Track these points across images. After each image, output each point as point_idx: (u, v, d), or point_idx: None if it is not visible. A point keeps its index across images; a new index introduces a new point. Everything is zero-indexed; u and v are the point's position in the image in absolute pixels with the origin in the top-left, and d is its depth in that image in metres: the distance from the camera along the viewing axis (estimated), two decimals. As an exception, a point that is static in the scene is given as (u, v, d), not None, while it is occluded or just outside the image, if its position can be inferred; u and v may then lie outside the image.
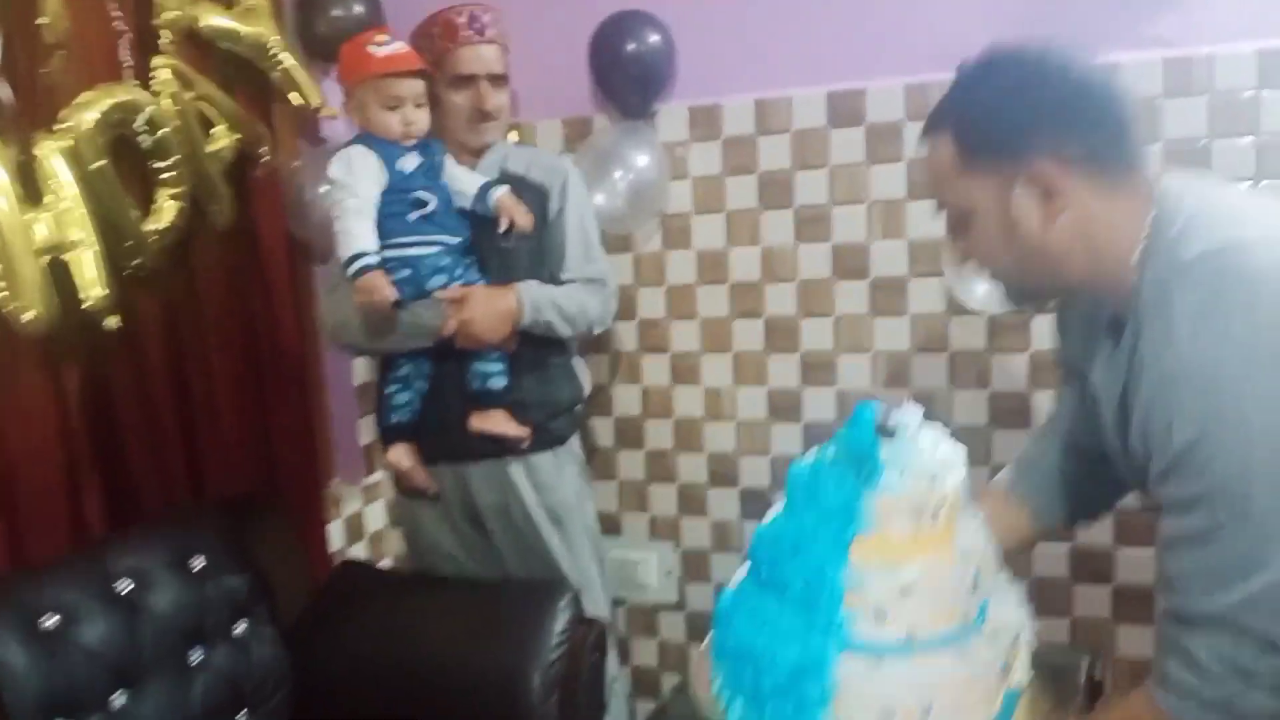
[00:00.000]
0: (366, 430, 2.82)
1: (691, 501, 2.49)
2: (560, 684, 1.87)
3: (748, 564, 1.30)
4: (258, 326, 2.32)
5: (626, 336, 2.47)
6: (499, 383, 2.02)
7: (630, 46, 2.24)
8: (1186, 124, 1.95)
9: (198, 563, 1.91)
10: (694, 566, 2.52)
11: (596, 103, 2.42)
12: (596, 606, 2.07)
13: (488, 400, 2.03)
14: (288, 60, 2.30)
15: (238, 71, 2.23)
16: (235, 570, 1.97)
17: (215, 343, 2.21)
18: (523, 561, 2.10)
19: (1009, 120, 1.12)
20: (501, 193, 2.02)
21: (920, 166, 1.21)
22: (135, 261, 1.99)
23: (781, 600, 1.19)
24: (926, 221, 2.14)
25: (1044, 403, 2.11)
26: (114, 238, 1.92)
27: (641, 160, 2.28)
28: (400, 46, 2.00)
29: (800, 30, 2.21)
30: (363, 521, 2.82)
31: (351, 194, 1.93)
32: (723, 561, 2.48)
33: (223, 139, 2.21)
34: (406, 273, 1.98)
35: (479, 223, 2.04)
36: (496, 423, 2.02)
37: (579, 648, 1.91)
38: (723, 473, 2.45)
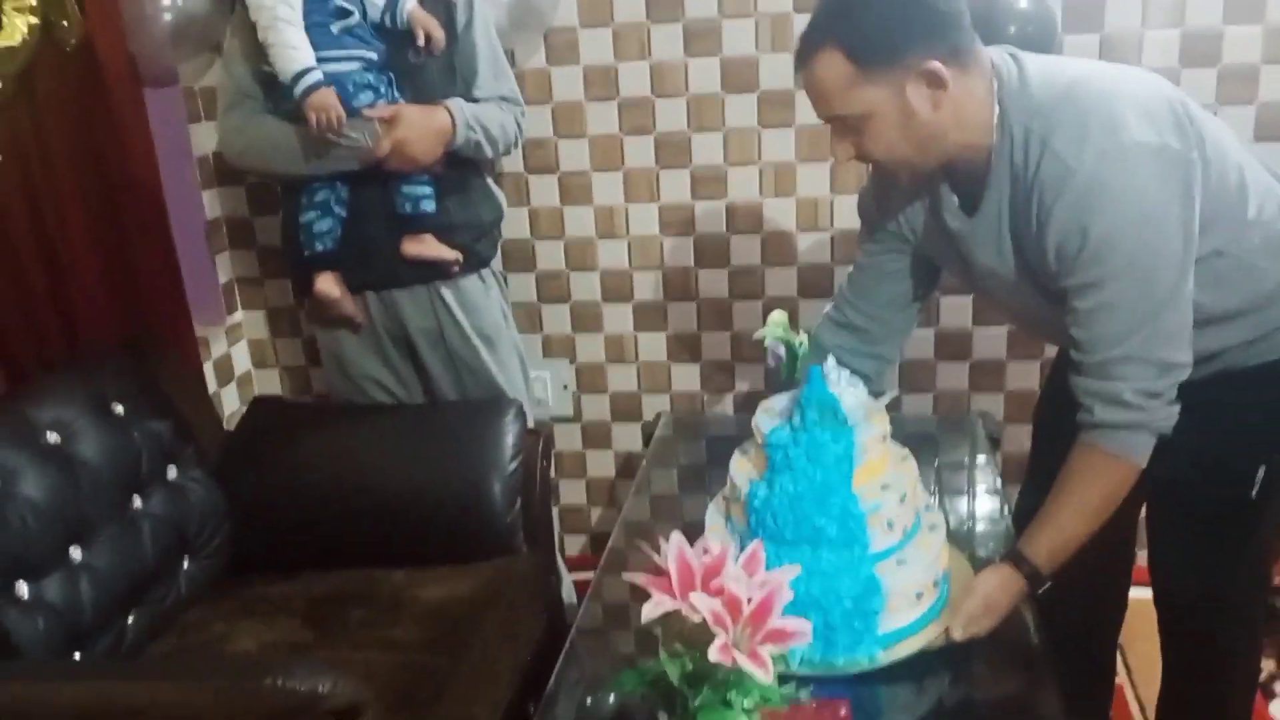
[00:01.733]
0: (223, 268, 2.67)
1: (585, 319, 2.57)
2: (520, 491, 1.96)
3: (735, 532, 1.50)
4: (109, 158, 2.13)
5: (511, 157, 2.44)
6: (429, 205, 1.98)
7: None
8: None
9: (118, 409, 1.82)
10: (589, 379, 2.63)
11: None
12: (531, 418, 2.14)
13: (419, 224, 1.98)
14: None
15: None
16: (156, 414, 1.90)
17: (69, 179, 2.02)
18: (455, 383, 2.12)
19: (897, 30, 1.29)
20: (412, 5, 1.92)
21: (807, 83, 1.33)
22: (-8, 85, 1.77)
23: (816, 547, 1.39)
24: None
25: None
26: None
27: (532, -30, 2.22)
28: None
29: None
30: (231, 364, 2.71)
31: (283, 2, 1.78)
32: (618, 372, 2.60)
33: (62, -59, 1.95)
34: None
35: (387, 37, 1.94)
36: (430, 247, 1.99)
37: (532, 456, 1.99)
38: (616, 288, 2.53)
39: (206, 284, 2.60)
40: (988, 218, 1.40)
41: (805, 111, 2.28)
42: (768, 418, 1.56)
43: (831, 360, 1.55)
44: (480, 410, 2.04)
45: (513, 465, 1.95)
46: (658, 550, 1.09)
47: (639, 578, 1.08)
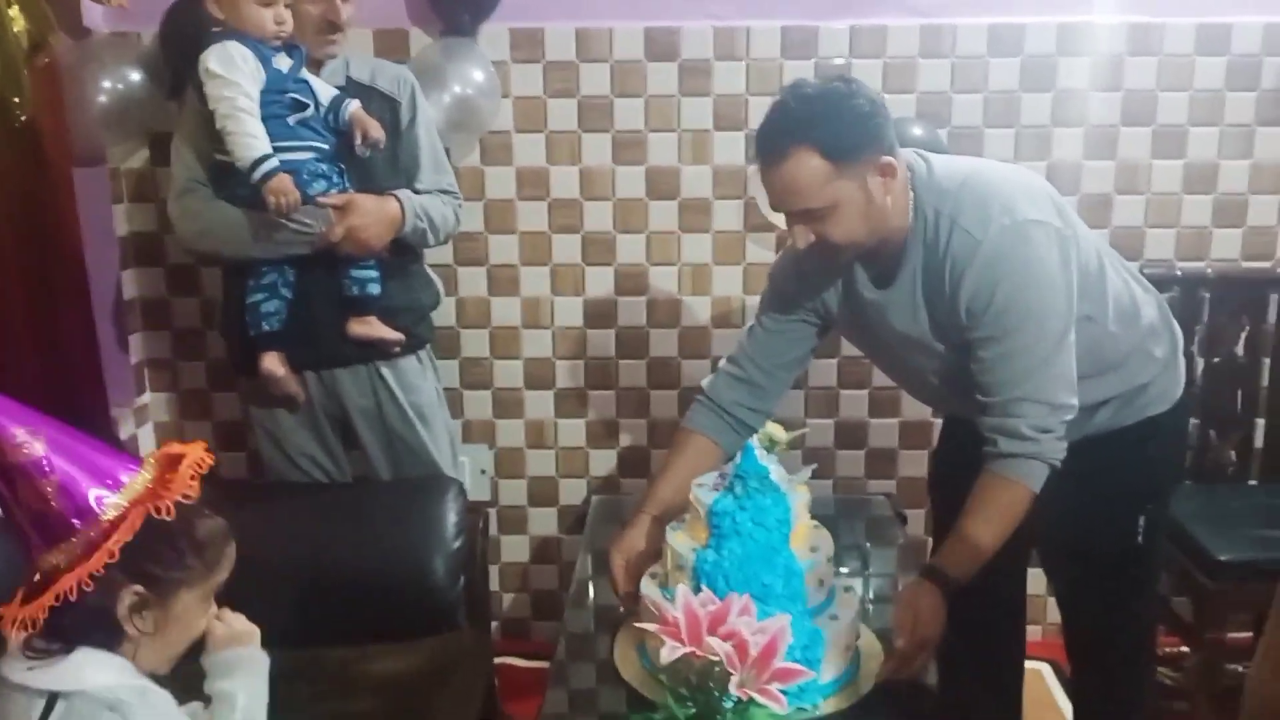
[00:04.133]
0: (137, 348, 2.64)
1: (507, 405, 2.66)
2: (462, 569, 2.01)
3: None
4: (43, 234, 2.13)
5: (440, 249, 2.54)
6: (375, 288, 2.06)
7: (465, -36, 2.31)
8: (936, 81, 2.46)
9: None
10: (508, 465, 2.70)
11: (413, 15, 2.45)
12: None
13: (365, 306, 2.06)
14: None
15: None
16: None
17: (7, 249, 2.01)
18: (389, 462, 2.17)
19: (863, 130, 1.53)
20: (355, 107, 2.03)
21: (778, 179, 1.54)
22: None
23: (764, 604, 1.48)
24: (730, 149, 2.49)
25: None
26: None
27: (477, 77, 2.37)
28: None
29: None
30: (138, 445, 2.65)
31: (241, 92, 1.86)
32: (537, 457, 2.69)
33: (19, 21, 1.99)
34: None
35: (334, 131, 2.04)
36: (376, 328, 2.06)
37: (473, 534, 2.05)
38: (539, 375, 2.64)
39: (120, 363, 2.57)
40: (902, 287, 1.65)
41: (722, 218, 2.54)
42: (704, 491, 1.70)
43: (756, 439, 1.71)
44: (421, 488, 2.10)
45: (455, 543, 2.01)
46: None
47: (650, 626, 1.18)
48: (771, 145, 1.55)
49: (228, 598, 1.33)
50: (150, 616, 1.18)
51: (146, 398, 2.69)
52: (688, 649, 1.14)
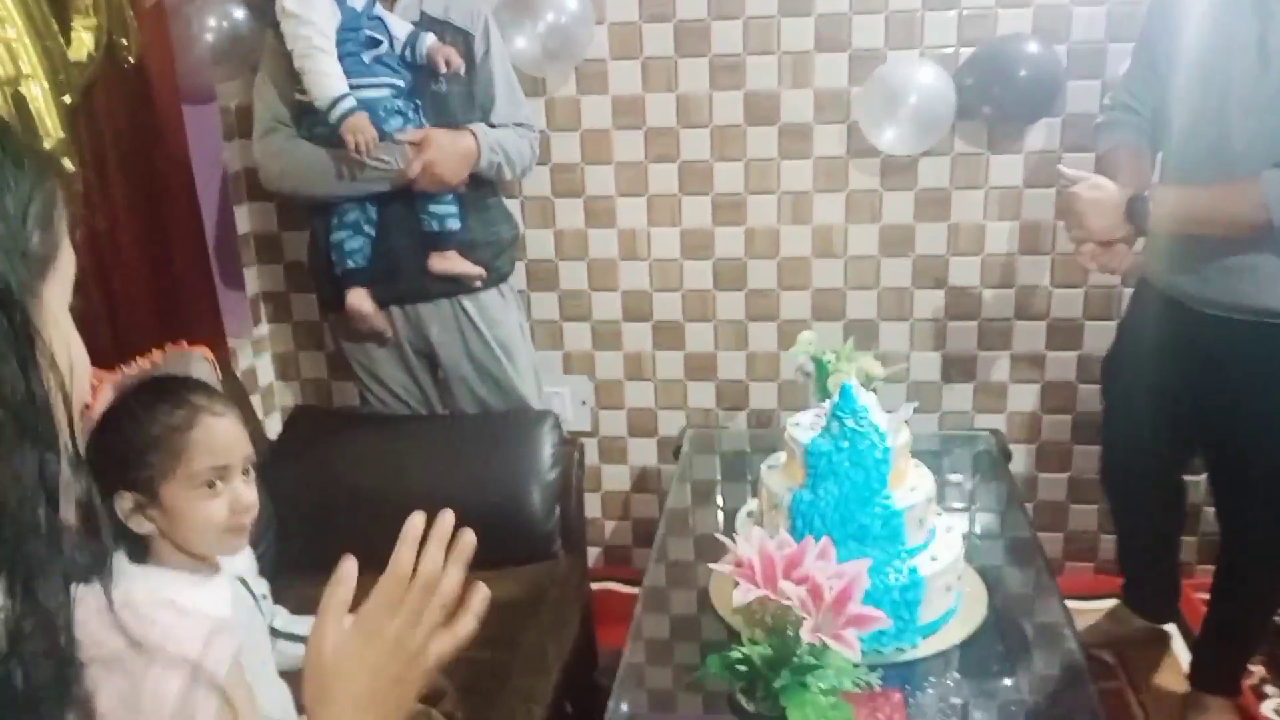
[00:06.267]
0: (252, 281, 2.74)
1: (605, 337, 2.67)
2: (557, 499, 2.04)
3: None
4: (154, 172, 2.20)
5: (539, 180, 2.55)
6: (454, 224, 2.08)
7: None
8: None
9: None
10: (607, 396, 2.72)
11: (502, -59, 2.41)
12: (561, 430, 2.23)
13: (445, 241, 2.08)
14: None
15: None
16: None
17: (121, 190, 2.09)
18: (473, 395, 2.21)
19: None
20: (431, 40, 2.03)
21: None
22: (65, 98, 1.84)
23: (861, 545, 1.51)
24: (832, 72, 2.40)
25: (928, 233, 2.47)
26: (49, 70, 1.77)
27: (571, 3, 2.33)
28: None
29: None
30: (256, 376, 2.77)
31: (318, 31, 1.88)
32: (635, 389, 2.70)
33: (121, -40, 2.03)
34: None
35: (411, 66, 2.04)
36: (456, 263, 2.09)
37: (569, 466, 2.08)
38: (637, 308, 2.64)
39: (236, 297, 2.67)
40: None
41: (822, 144, 2.45)
42: (801, 430, 1.67)
43: (855, 379, 1.68)
44: (518, 421, 2.13)
45: (551, 474, 2.04)
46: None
47: (726, 568, 1.18)
48: None
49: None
50: (153, 515, 1.23)
51: (263, 329, 2.80)
52: (761, 592, 1.14)
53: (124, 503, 1.21)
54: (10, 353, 0.54)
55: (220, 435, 1.27)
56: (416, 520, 0.83)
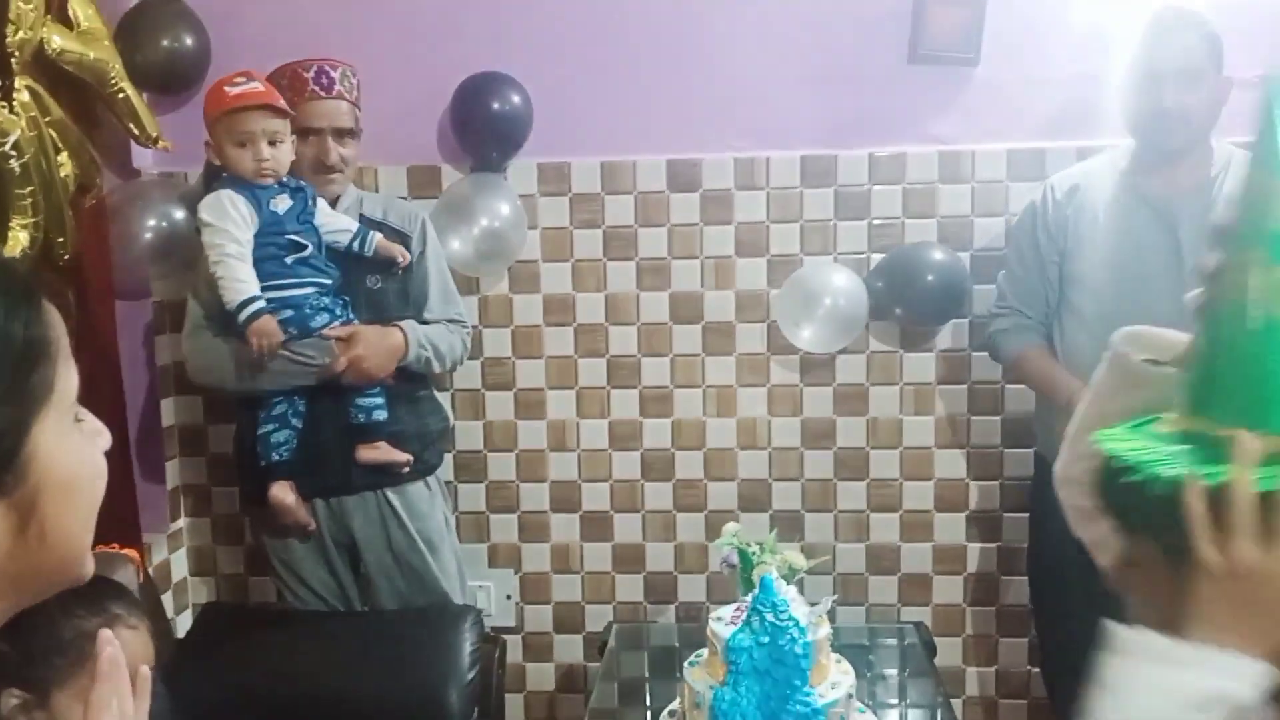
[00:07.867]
0: (174, 474, 2.70)
1: (533, 528, 2.66)
2: (476, 701, 1.98)
3: None
4: (83, 369, 2.20)
5: (470, 373, 2.60)
6: (381, 414, 2.11)
7: (495, 104, 2.42)
8: (956, 206, 2.48)
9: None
10: (533, 590, 2.68)
11: (444, 153, 2.55)
12: (482, 626, 2.18)
13: (372, 433, 2.10)
14: (128, 88, 2.25)
15: (71, 98, 2.15)
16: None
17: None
18: (395, 591, 2.17)
19: None
20: (379, 236, 2.13)
21: None
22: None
23: None
24: (752, 275, 2.53)
25: (848, 427, 2.55)
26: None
27: (504, 210, 2.45)
28: (255, 85, 2.03)
29: (643, 103, 2.50)
30: (170, 572, 2.68)
31: (230, 239, 1.94)
32: (562, 582, 2.67)
33: (66, 166, 2.12)
34: (289, 313, 2.03)
35: (345, 264, 2.12)
36: (384, 452, 2.11)
37: (489, 664, 2.03)
38: (565, 498, 2.64)
39: (155, 491, 2.63)
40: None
41: (744, 342, 2.55)
42: (722, 625, 1.67)
43: (778, 572, 1.70)
44: (437, 618, 2.09)
45: (470, 674, 1.99)
46: None
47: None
48: None
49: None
50: (37, 718, 1.16)
51: (181, 523, 2.73)
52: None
53: (9, 699, 1.15)
54: None
55: (129, 650, 1.23)
56: None
